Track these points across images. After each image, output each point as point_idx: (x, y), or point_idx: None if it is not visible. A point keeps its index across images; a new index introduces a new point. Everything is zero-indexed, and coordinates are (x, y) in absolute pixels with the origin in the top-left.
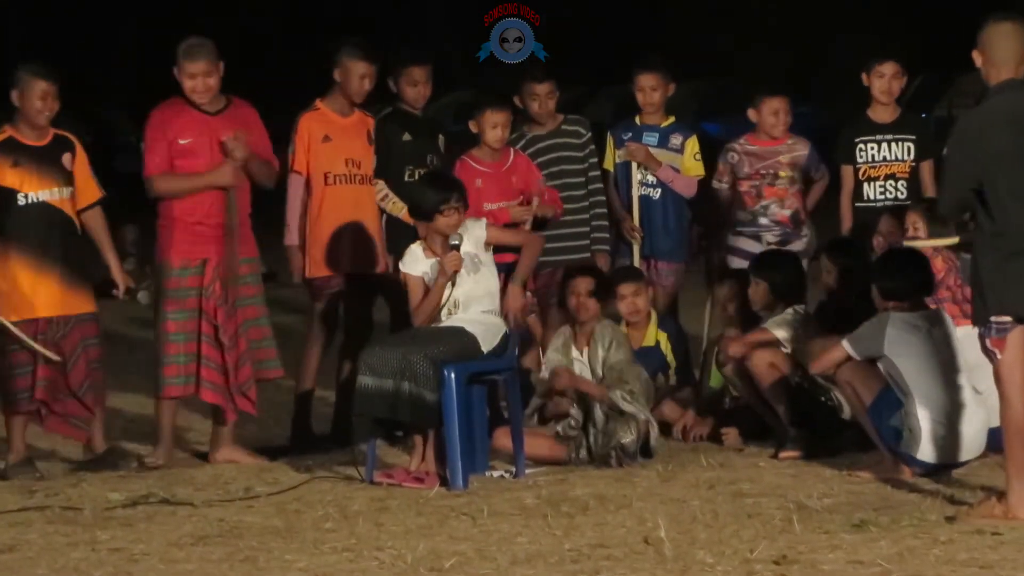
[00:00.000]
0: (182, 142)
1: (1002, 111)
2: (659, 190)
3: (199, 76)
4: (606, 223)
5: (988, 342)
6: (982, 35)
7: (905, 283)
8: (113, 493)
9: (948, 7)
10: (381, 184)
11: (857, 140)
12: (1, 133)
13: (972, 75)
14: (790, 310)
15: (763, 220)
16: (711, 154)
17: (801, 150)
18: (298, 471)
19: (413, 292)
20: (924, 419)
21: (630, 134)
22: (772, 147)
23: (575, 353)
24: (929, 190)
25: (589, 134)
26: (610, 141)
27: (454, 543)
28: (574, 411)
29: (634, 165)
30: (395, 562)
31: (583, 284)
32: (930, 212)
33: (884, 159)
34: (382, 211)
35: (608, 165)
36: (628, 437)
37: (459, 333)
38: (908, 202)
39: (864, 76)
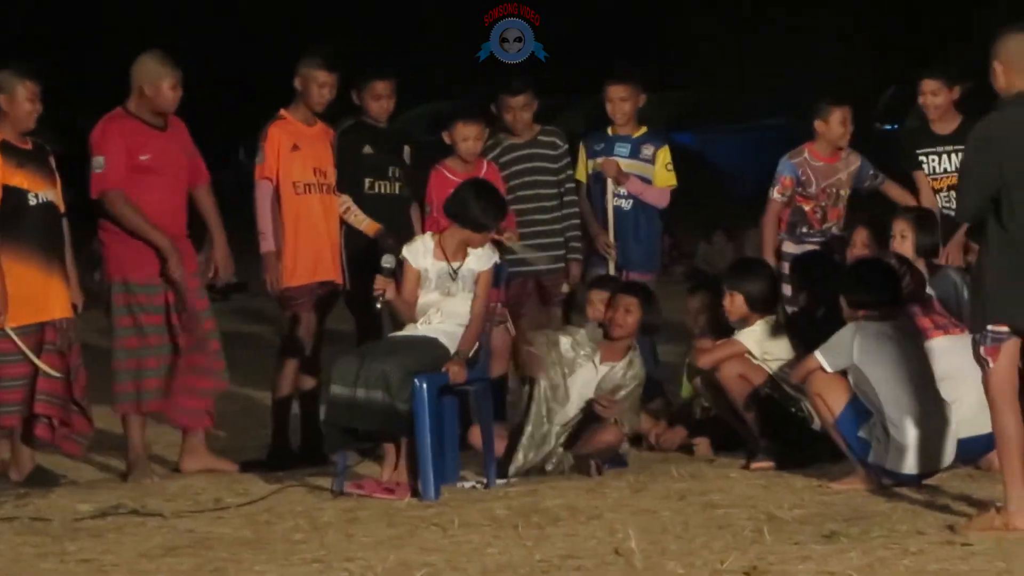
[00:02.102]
0: (142, 158)
1: (1021, 119)
2: (631, 201)
3: (178, 87)
4: (579, 233)
5: (982, 350)
6: (1000, 46)
7: (873, 293)
8: (82, 504)
9: (922, 18)
10: (345, 197)
11: (919, 152)
12: None
13: None
14: (762, 321)
15: (827, 237)
16: (682, 165)
17: (855, 162)
18: (268, 482)
19: (408, 282)
20: (893, 429)
21: (603, 145)
22: (834, 164)
23: (596, 359)
24: None
25: (565, 146)
26: (582, 152)
27: (424, 554)
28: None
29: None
30: (365, 573)
31: (629, 301)
32: (919, 221)
33: (945, 171)
34: (341, 224)
35: (581, 176)
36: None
37: (432, 344)
38: None
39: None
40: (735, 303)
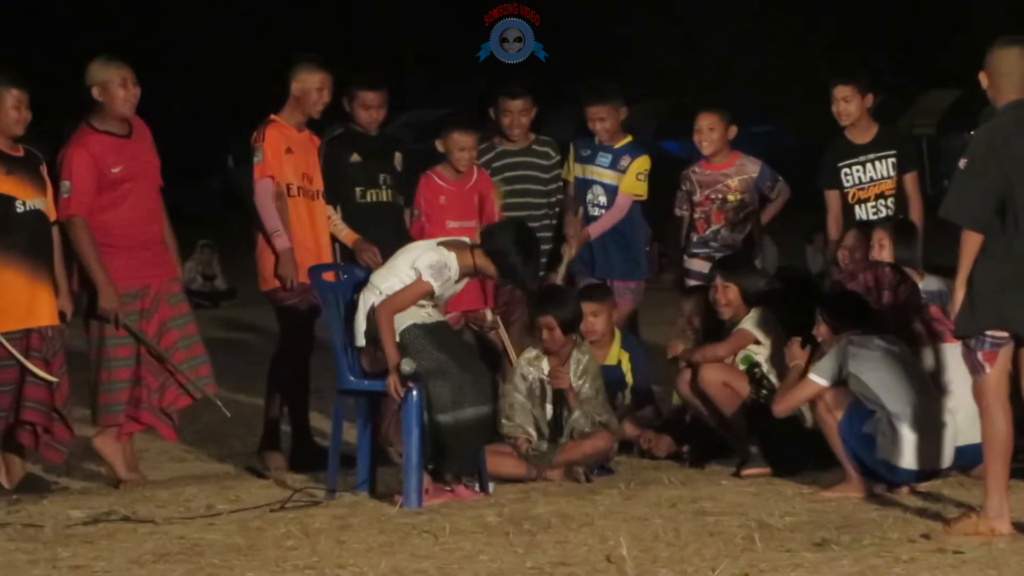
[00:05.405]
0: (115, 171)
1: (1017, 124)
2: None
3: (128, 83)
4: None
5: (980, 355)
6: (989, 58)
7: (851, 317)
8: (74, 510)
9: (906, 27)
10: (329, 209)
11: (840, 165)
12: None
13: (931, 94)
14: (756, 312)
15: (714, 244)
16: (671, 172)
17: (751, 171)
18: (260, 488)
19: (415, 292)
20: (897, 424)
21: (589, 151)
22: (721, 171)
23: (544, 365)
24: (913, 203)
25: (558, 157)
26: (572, 153)
27: (416, 561)
28: (535, 434)
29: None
30: None
31: (547, 320)
32: (897, 231)
33: (871, 179)
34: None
35: (567, 175)
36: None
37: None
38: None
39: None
40: (730, 294)
